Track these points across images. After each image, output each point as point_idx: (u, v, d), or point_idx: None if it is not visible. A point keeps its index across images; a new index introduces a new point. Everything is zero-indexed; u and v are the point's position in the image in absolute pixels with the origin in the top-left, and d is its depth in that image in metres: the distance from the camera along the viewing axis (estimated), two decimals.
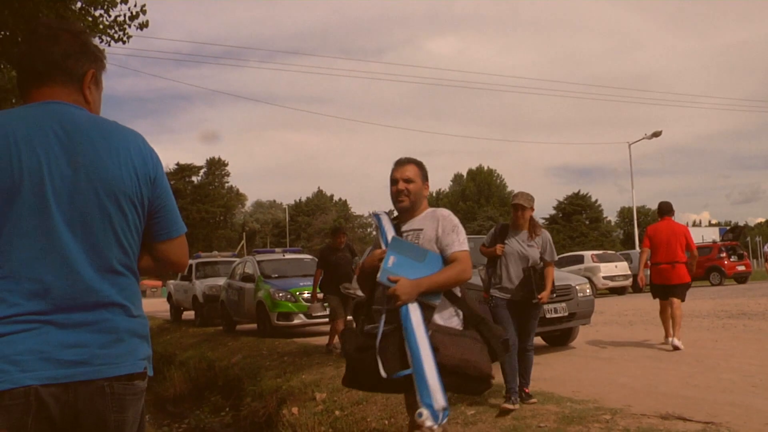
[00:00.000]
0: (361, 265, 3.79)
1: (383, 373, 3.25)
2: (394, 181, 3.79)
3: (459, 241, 3.62)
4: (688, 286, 9.42)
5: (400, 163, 3.83)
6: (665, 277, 9.30)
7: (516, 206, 6.38)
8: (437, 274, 3.49)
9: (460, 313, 3.58)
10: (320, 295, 11.17)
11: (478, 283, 6.76)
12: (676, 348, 9.02)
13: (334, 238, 11.15)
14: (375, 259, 3.58)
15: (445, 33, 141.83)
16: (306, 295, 14.21)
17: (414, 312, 3.32)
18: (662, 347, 9.42)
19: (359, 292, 9.58)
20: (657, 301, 9.65)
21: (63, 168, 1.86)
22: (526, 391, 6.28)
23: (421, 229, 3.68)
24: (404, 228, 3.75)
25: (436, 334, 3.29)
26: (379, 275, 3.46)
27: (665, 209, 9.79)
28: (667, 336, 9.51)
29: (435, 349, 3.19)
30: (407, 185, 3.74)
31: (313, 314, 10.93)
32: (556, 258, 6.42)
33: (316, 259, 12.17)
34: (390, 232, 3.70)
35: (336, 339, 10.28)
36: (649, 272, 9.89)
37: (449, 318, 3.54)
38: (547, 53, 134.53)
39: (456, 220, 3.71)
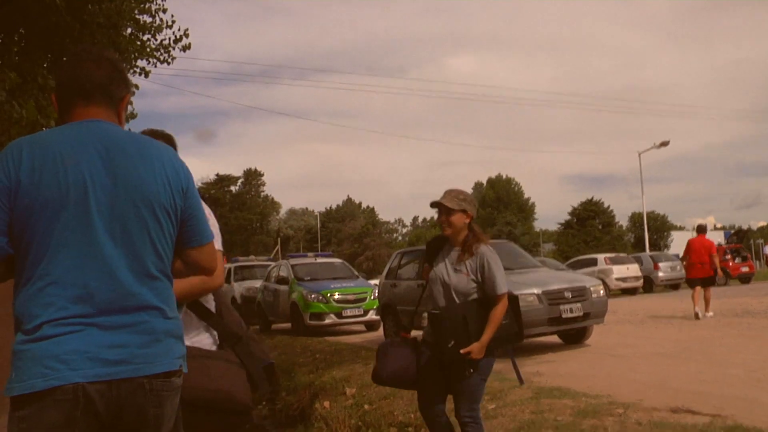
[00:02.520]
0: None
1: None
2: None
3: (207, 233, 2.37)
4: (713, 278, 13.37)
5: None
6: (699, 272, 13.16)
7: (437, 206, 4.05)
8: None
9: (214, 331, 2.65)
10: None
11: None
12: (697, 316, 12.72)
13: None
14: None
15: (465, 51, 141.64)
16: (337, 296, 14.26)
17: None
18: (684, 319, 12.84)
19: None
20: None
21: (104, 181, 1.89)
22: None
23: None
24: None
25: None
26: None
27: (701, 229, 14.33)
28: (696, 312, 12.81)
29: None
30: None
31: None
32: (504, 289, 3.89)
33: (422, 253, 9.85)
34: None
35: None
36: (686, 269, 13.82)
37: (196, 336, 2.58)
38: (561, 69, 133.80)
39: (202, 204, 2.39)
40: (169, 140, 2.73)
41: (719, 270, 13.65)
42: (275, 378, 2.79)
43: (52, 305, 1.80)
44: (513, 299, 4.09)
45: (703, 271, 13.15)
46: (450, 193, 4.02)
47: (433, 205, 4.03)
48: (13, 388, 1.77)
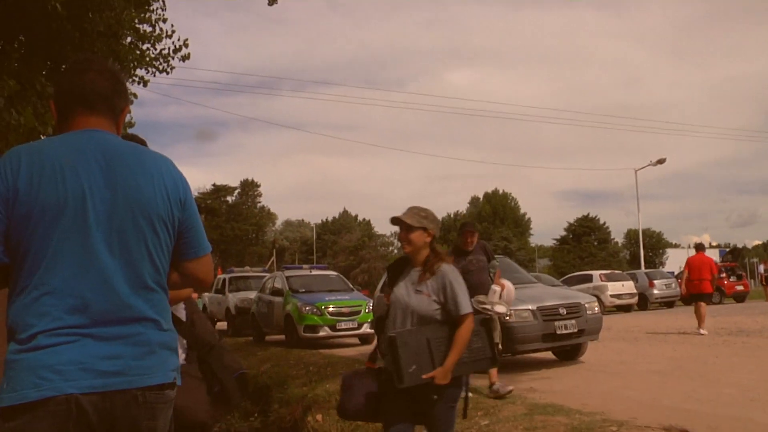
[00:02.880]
0: None
1: None
2: None
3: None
4: (710, 294, 14.18)
5: None
6: (697, 288, 13.66)
7: (397, 223, 3.78)
8: None
9: (184, 340, 2.61)
10: None
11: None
12: (700, 333, 13.24)
13: (462, 237, 7.71)
14: None
15: (463, 65, 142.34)
16: (331, 309, 14.22)
17: None
18: (691, 334, 13.54)
19: (499, 308, 6.85)
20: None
21: (103, 191, 1.88)
22: None
23: None
24: None
25: None
26: None
27: (699, 247, 14.94)
28: (698, 324, 13.55)
29: None
30: None
31: None
32: (468, 309, 3.61)
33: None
34: None
35: (496, 377, 7.31)
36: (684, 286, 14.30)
37: None
38: (558, 84, 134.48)
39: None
40: (141, 144, 2.64)
41: (714, 285, 14.24)
42: (247, 388, 2.73)
43: (47, 315, 1.79)
44: (486, 321, 3.89)
45: (701, 287, 13.63)
46: (412, 210, 3.82)
47: (394, 221, 3.80)
48: (3, 399, 1.75)
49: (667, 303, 26.48)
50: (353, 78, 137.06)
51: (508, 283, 7.34)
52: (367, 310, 14.34)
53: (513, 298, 7.48)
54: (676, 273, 30.53)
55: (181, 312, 2.67)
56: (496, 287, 7.04)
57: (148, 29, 11.09)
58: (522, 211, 78.18)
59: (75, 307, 1.81)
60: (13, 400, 1.74)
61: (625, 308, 25.12)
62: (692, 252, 14.71)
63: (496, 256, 7.99)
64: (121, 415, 1.82)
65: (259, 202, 79.01)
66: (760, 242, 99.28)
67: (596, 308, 9.87)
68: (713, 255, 45.38)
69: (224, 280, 20.55)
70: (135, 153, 2.00)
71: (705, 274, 13.62)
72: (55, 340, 1.78)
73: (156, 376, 1.89)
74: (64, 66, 10.17)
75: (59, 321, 1.79)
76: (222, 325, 20.76)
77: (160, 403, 1.90)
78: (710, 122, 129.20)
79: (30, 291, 1.81)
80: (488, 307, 6.68)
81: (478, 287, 6.91)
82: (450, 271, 3.71)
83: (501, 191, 79.78)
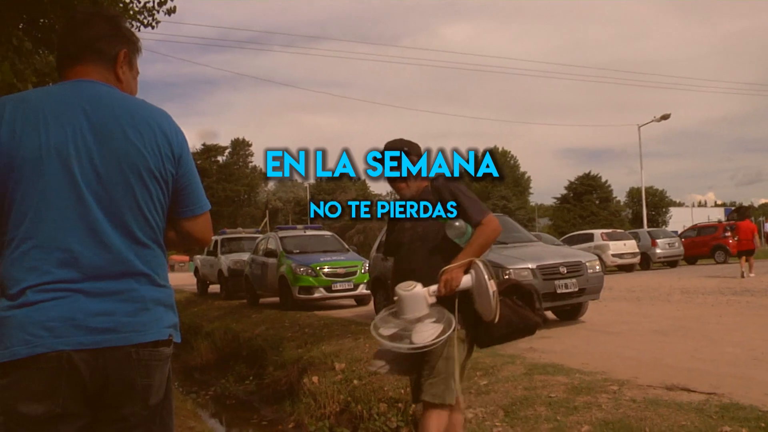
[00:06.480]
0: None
1: None
2: None
3: None
4: (753, 250, 18.80)
5: None
6: (745, 246, 18.76)
7: None
8: None
9: None
10: None
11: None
12: (743, 276, 18.03)
13: None
14: None
15: (459, 20, 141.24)
16: (327, 270, 14.25)
17: None
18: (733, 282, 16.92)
19: (419, 336, 3.23)
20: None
21: (89, 143, 1.87)
22: None
23: None
24: None
25: None
26: None
27: (745, 215, 21.27)
28: (742, 273, 18.12)
29: None
30: None
31: None
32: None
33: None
34: None
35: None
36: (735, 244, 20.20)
37: None
38: (558, 40, 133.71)
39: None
40: None
41: (759, 243, 19.90)
42: None
43: (36, 270, 1.79)
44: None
45: (747, 245, 18.68)
46: None
47: None
48: None
49: (670, 263, 26.65)
50: (346, 33, 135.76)
51: (476, 272, 3.33)
52: (363, 271, 14.38)
53: (491, 304, 3.24)
54: (680, 232, 30.69)
55: None
56: (403, 291, 3.31)
57: None
58: (522, 169, 78.13)
59: (64, 261, 1.80)
60: (3, 357, 1.74)
61: (627, 268, 25.29)
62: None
63: (495, 214, 4.23)
64: (115, 373, 1.82)
65: (251, 162, 78.90)
66: (767, 200, 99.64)
67: (597, 267, 9.91)
68: (719, 214, 45.60)
69: (216, 241, 20.55)
70: (126, 104, 1.97)
71: (749, 236, 18.79)
72: (44, 296, 1.78)
73: (150, 332, 1.89)
74: (42, 20, 10.05)
75: (49, 275, 1.79)
76: (215, 287, 20.86)
77: (155, 360, 1.90)
78: (716, 78, 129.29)
79: (18, 244, 1.81)
80: (382, 334, 3.37)
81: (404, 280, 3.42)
82: None
83: (500, 149, 79.57)
